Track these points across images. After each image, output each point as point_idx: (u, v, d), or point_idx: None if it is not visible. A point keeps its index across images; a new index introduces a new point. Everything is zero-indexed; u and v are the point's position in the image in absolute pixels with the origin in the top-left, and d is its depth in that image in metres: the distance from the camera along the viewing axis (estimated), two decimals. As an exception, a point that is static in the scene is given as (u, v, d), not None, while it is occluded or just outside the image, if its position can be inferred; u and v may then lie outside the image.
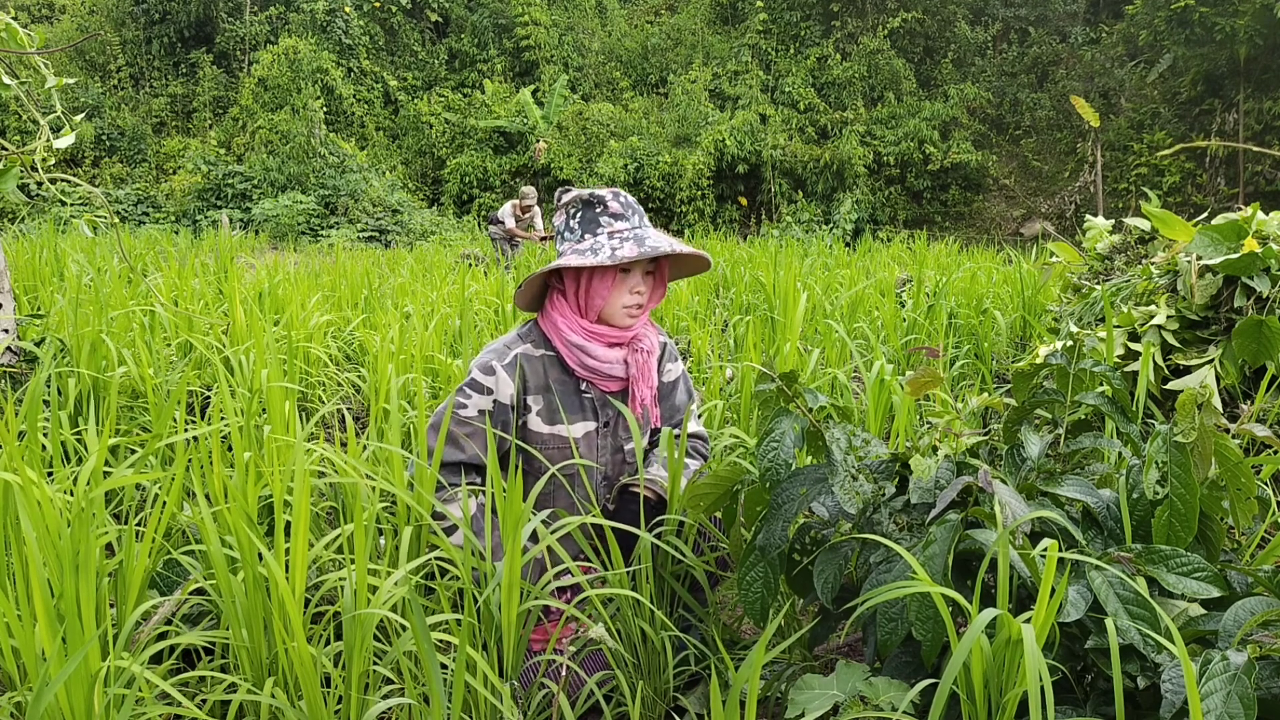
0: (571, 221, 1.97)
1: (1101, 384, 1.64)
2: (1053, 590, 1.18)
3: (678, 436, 1.94)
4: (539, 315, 2.04)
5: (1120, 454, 1.85)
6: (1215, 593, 1.25)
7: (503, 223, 10.55)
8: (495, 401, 1.94)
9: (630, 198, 1.99)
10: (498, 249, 10.49)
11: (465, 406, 1.94)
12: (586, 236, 1.93)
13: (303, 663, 1.39)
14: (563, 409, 1.98)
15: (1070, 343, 1.60)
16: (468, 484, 1.90)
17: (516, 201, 10.74)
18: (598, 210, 1.95)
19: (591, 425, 2.01)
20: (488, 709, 1.54)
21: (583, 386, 2.01)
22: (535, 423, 1.97)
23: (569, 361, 1.98)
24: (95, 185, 16.83)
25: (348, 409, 2.45)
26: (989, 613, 1.15)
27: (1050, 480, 1.44)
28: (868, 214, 17.30)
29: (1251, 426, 1.42)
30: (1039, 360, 1.85)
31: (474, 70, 21.03)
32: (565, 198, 2.00)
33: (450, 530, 1.87)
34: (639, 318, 1.98)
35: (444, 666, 1.56)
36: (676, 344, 4.40)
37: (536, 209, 10.73)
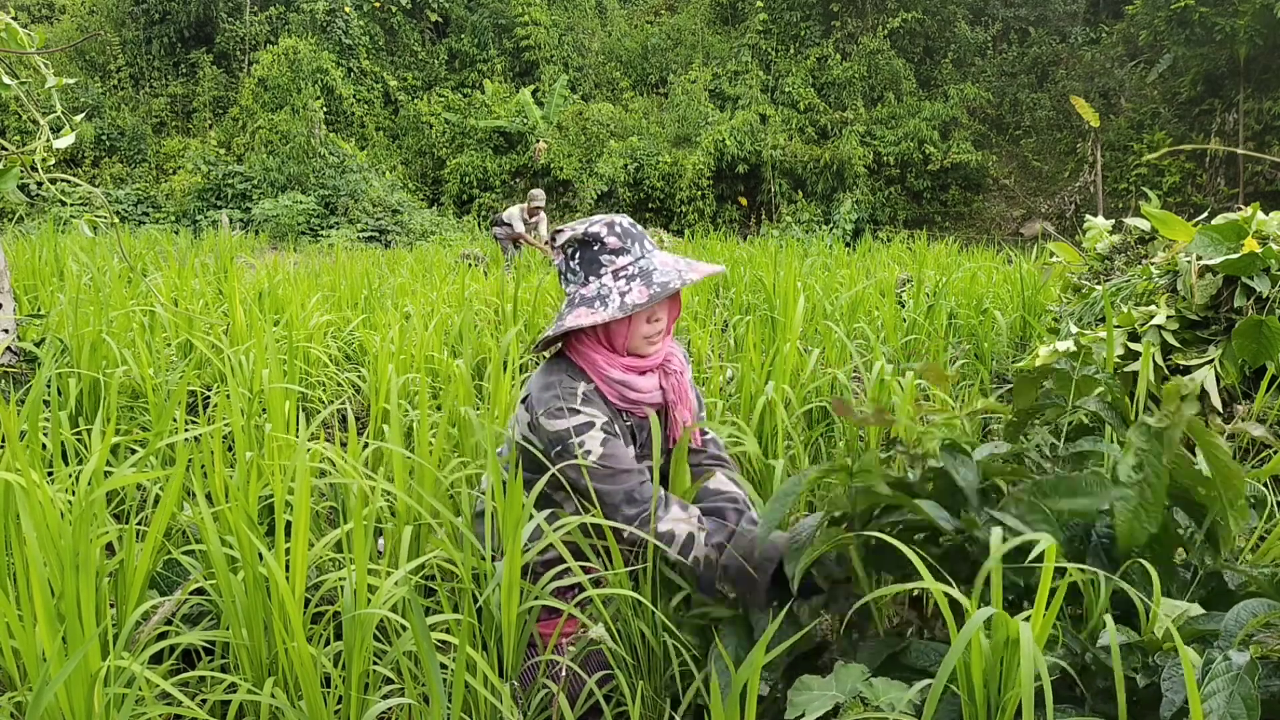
0: (571, 263, 1.89)
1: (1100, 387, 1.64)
2: (1053, 591, 1.18)
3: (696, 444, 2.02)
4: (567, 350, 1.96)
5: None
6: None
7: (509, 225, 10.51)
8: (604, 424, 1.85)
9: (627, 222, 1.89)
10: (505, 251, 10.48)
11: (591, 451, 1.81)
12: (591, 279, 1.86)
13: (303, 663, 1.39)
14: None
15: (1073, 344, 1.60)
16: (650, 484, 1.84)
17: (525, 205, 10.70)
18: (595, 249, 1.85)
19: (633, 451, 1.94)
20: (488, 709, 1.54)
21: (622, 416, 1.96)
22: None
23: (609, 396, 1.91)
24: (95, 185, 16.83)
25: (348, 408, 2.45)
26: (985, 611, 1.15)
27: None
28: (868, 214, 17.30)
29: (1248, 426, 1.42)
30: (1039, 360, 1.85)
31: (474, 70, 21.03)
32: (560, 239, 1.90)
33: (686, 547, 1.77)
34: (660, 343, 1.94)
35: (444, 666, 1.56)
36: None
37: (543, 214, 10.67)
